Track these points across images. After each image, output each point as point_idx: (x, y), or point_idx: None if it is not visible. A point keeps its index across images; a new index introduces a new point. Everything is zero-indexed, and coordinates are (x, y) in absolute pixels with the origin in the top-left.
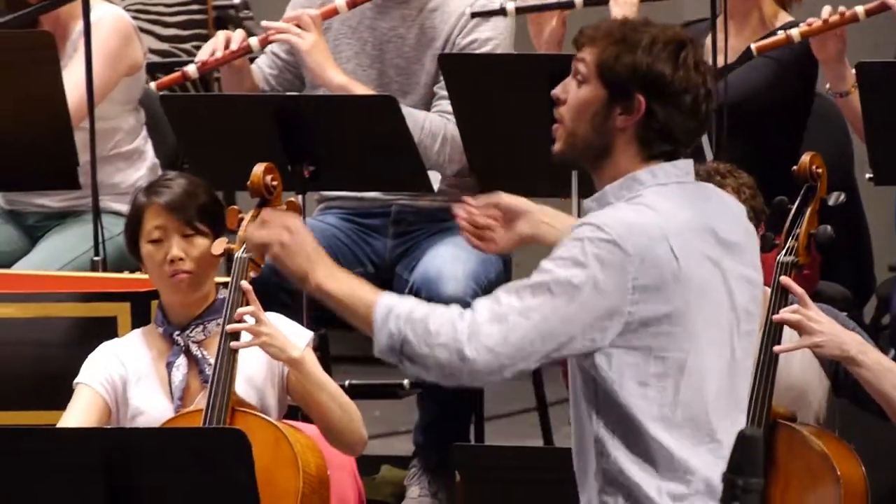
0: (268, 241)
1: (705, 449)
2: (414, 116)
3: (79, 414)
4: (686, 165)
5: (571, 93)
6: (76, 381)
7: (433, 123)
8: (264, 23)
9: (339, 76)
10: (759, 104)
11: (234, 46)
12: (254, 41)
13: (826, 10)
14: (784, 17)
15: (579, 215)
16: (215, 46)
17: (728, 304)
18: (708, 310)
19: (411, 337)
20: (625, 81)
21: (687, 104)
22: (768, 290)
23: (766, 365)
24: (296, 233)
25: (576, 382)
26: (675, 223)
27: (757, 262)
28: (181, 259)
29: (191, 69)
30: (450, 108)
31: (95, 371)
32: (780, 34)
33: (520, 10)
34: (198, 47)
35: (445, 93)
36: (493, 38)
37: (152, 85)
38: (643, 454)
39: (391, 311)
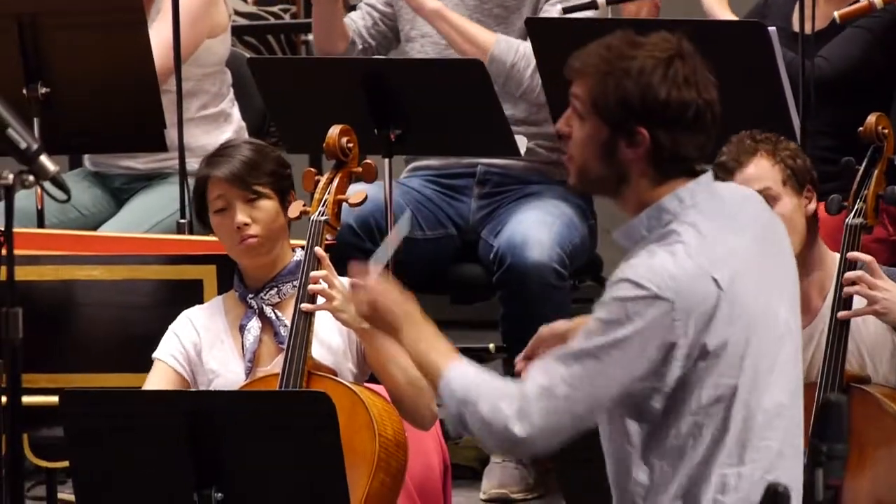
0: (359, 322)
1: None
2: (508, 41)
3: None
4: (706, 178)
5: (575, 128)
6: (154, 354)
7: (528, 49)
8: None
9: (434, 1)
10: (856, 76)
11: None
12: None
13: None
14: None
15: None
16: None
17: (775, 317)
18: (760, 331)
19: (468, 420)
20: (622, 117)
21: (689, 121)
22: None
23: (838, 329)
24: (380, 305)
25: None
26: (715, 253)
27: (784, 241)
28: (247, 224)
29: None
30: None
31: (169, 345)
32: (863, 1)
33: (610, 1)
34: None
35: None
36: None
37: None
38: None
39: (453, 392)
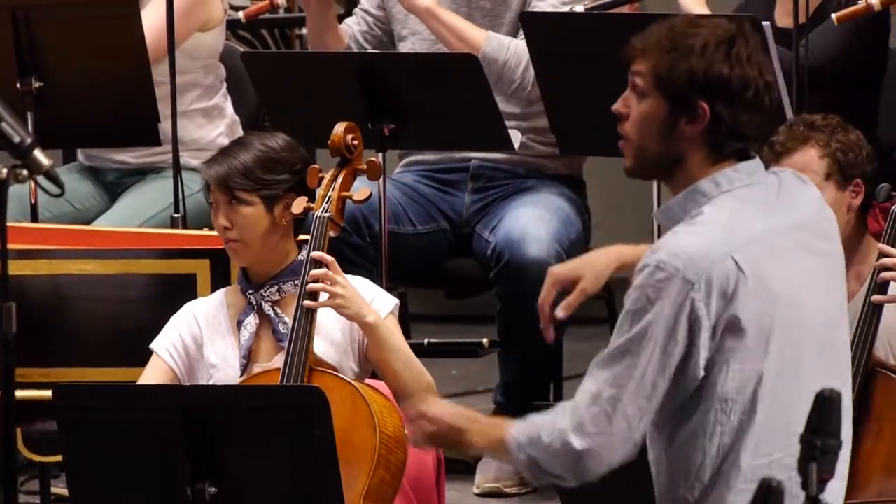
0: (424, 441)
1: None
2: (499, 39)
3: (147, 381)
4: (750, 167)
5: (633, 108)
6: (151, 345)
7: (518, 46)
8: None
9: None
10: (838, 67)
11: None
12: None
13: None
14: None
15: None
16: None
17: (803, 307)
18: (785, 317)
19: (539, 458)
20: (685, 91)
21: (750, 99)
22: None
23: (870, 313)
24: (434, 421)
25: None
26: (739, 236)
27: (835, 242)
28: (227, 228)
29: None
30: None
31: (166, 337)
32: (861, 2)
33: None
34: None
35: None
36: None
37: (240, 15)
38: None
39: (520, 443)
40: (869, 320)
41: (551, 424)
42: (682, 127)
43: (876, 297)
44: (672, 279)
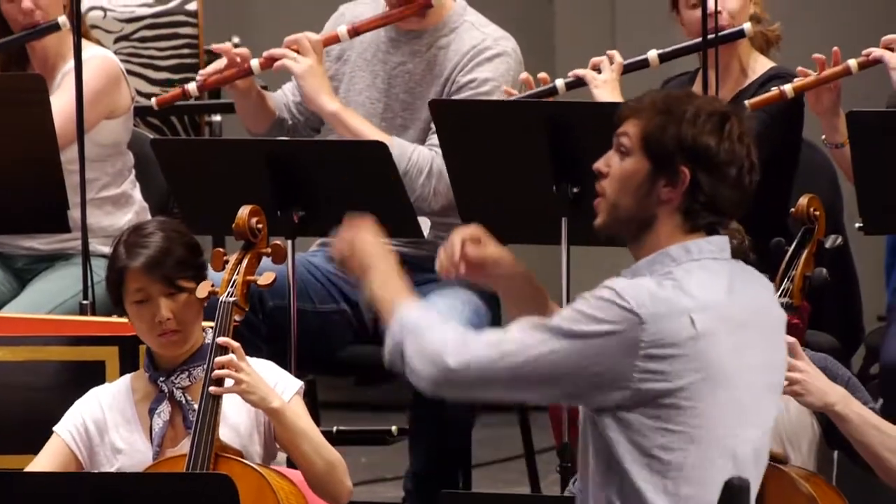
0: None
1: None
2: (402, 147)
3: (42, 461)
4: (721, 242)
5: (614, 166)
6: (54, 427)
7: (421, 155)
8: (266, 53)
9: (332, 103)
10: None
11: (235, 66)
12: (255, 63)
13: (819, 62)
14: (764, 63)
15: (569, 263)
16: (217, 65)
17: (751, 389)
18: (726, 391)
19: (407, 346)
20: (670, 153)
21: (732, 176)
22: None
23: None
24: (358, 244)
25: (586, 438)
26: (700, 301)
27: (782, 341)
28: (169, 319)
29: (191, 86)
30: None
31: (69, 419)
32: (774, 90)
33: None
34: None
35: None
36: (493, 79)
37: (153, 101)
38: None
39: (404, 323)
40: None
41: (442, 334)
42: (660, 189)
43: None
44: (627, 311)
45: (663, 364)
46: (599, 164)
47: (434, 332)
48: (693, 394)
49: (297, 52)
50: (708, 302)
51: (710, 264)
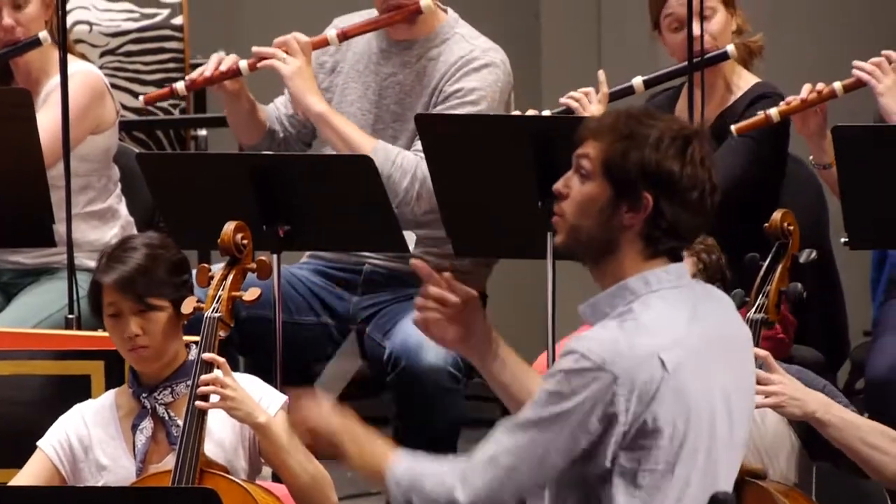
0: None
1: None
2: (387, 151)
3: (25, 476)
4: (678, 269)
5: (574, 188)
6: (38, 441)
7: (405, 159)
8: (254, 49)
9: (319, 104)
10: (742, 183)
11: (223, 68)
12: (243, 64)
13: (805, 89)
14: (749, 78)
15: (554, 278)
16: (205, 67)
17: (723, 415)
18: (702, 422)
19: (415, 501)
20: (633, 180)
21: (694, 200)
22: None
23: None
24: (319, 429)
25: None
26: (665, 337)
27: (749, 358)
28: (138, 336)
29: (179, 85)
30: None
31: (53, 434)
32: (760, 114)
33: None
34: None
35: None
36: (480, 89)
37: (140, 98)
38: None
39: (398, 482)
40: None
41: (439, 477)
42: (622, 215)
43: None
44: (596, 371)
45: (642, 409)
46: (559, 186)
47: (432, 479)
48: (675, 431)
49: (287, 52)
50: (673, 337)
51: (669, 294)
